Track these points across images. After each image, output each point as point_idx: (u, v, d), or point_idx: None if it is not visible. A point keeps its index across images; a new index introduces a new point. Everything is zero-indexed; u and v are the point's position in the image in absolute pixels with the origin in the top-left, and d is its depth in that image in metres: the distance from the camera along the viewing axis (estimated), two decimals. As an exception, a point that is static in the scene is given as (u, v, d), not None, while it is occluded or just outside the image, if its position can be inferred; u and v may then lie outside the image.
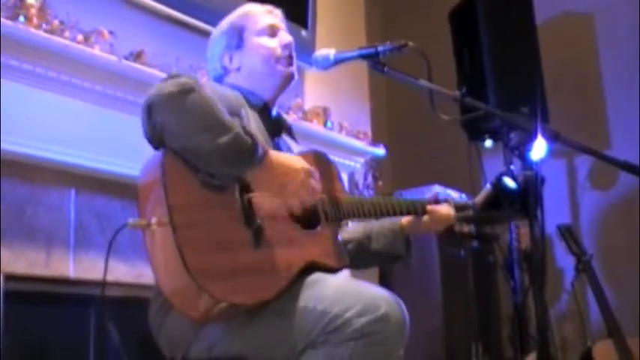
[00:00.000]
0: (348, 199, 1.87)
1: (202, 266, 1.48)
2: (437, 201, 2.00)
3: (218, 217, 1.56)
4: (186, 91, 1.53)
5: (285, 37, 1.95)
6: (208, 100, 1.56)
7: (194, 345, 1.64)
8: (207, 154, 1.53)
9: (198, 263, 1.47)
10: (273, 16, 1.97)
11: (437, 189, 3.63)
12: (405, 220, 2.00)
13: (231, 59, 1.93)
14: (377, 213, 1.89)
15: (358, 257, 1.98)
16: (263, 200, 1.64)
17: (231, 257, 1.54)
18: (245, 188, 1.63)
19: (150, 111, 1.53)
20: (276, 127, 1.95)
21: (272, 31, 1.94)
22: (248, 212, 1.61)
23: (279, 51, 1.92)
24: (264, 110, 1.90)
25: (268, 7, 1.98)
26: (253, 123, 1.79)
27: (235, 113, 1.70)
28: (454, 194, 2.09)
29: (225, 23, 1.98)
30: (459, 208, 2.03)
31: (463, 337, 3.70)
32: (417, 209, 1.97)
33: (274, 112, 1.96)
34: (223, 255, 1.53)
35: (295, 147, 1.99)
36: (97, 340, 2.39)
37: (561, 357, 3.93)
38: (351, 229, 2.02)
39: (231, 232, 1.57)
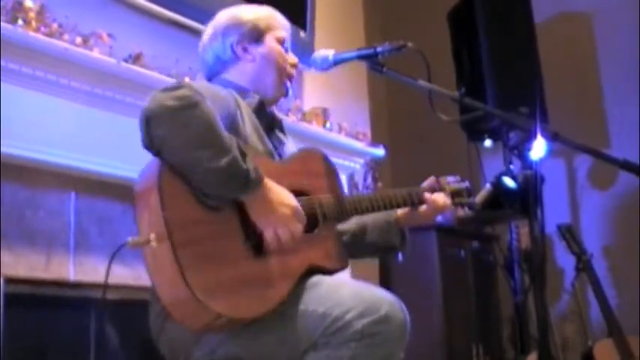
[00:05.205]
0: (347, 197, 1.87)
1: (203, 282, 1.47)
2: (433, 189, 1.99)
3: (217, 232, 1.55)
4: (187, 107, 1.51)
5: (294, 57, 1.98)
6: (209, 118, 1.54)
7: (195, 349, 1.64)
8: (203, 173, 1.52)
9: (198, 280, 1.47)
10: (288, 34, 1.99)
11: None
12: (401, 211, 1.99)
13: (245, 49, 1.92)
14: (374, 208, 1.88)
15: (353, 248, 1.97)
16: None
17: (231, 272, 1.54)
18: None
19: (149, 123, 1.51)
20: (270, 125, 1.95)
21: (285, 46, 1.96)
22: (247, 224, 1.60)
23: (289, 67, 1.95)
24: (259, 108, 1.89)
25: (285, 22, 1.99)
26: (248, 122, 1.79)
27: (232, 122, 1.69)
28: (450, 178, 2.05)
29: (245, 13, 1.95)
30: (455, 194, 2.00)
31: (463, 337, 3.70)
32: (414, 199, 1.96)
33: (268, 110, 1.96)
34: (223, 270, 1.53)
35: (290, 144, 1.98)
36: (97, 342, 2.39)
37: (562, 357, 3.93)
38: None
39: (230, 246, 1.56)
